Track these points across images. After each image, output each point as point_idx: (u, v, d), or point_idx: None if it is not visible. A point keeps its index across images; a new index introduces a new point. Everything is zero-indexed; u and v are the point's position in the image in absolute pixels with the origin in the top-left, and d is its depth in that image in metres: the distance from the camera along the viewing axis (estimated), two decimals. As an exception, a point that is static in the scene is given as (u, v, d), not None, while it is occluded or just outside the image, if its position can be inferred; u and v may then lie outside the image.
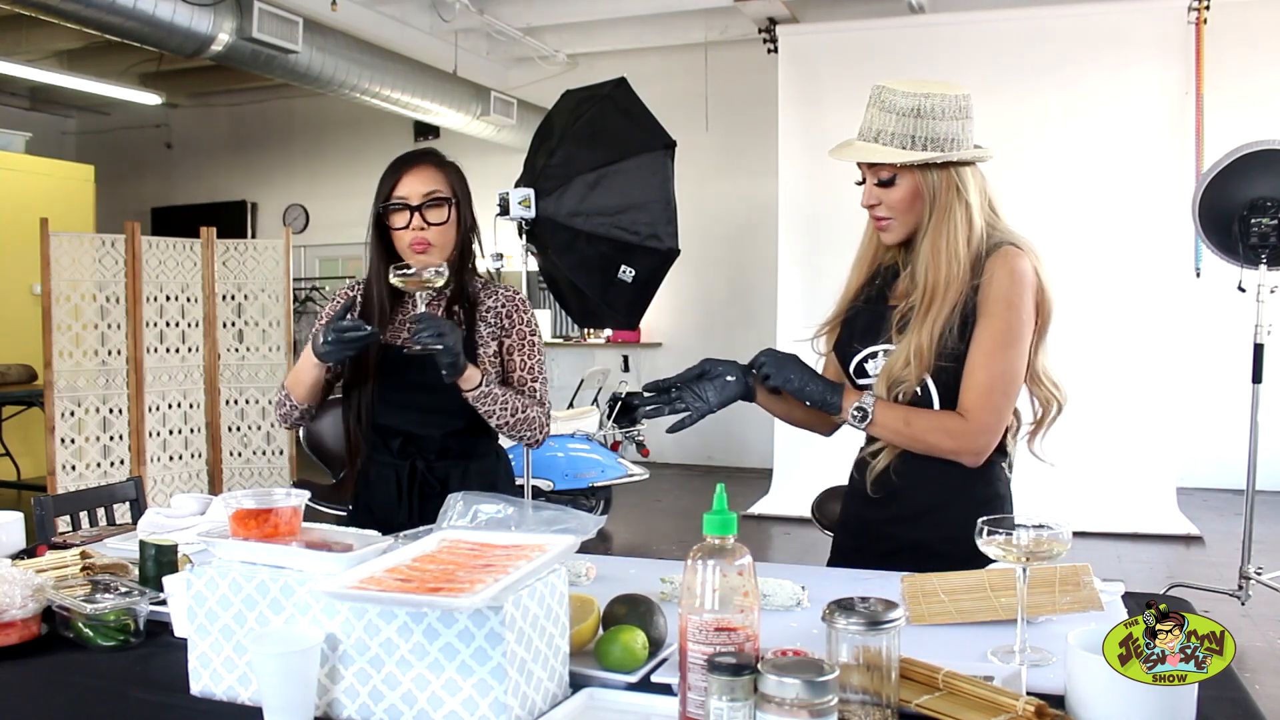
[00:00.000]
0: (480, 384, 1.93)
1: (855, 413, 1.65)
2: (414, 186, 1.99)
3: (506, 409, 1.97)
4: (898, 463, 1.69)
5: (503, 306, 2.08)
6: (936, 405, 1.65)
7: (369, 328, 1.86)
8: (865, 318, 1.74)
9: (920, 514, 1.70)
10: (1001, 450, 1.71)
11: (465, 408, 1.98)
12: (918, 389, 1.64)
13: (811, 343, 1.84)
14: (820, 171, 6.18)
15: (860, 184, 1.71)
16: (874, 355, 1.71)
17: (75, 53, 7.96)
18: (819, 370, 1.78)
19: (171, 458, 5.15)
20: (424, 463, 2.04)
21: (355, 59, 6.34)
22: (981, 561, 1.58)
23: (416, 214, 1.98)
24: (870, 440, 1.72)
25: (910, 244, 1.71)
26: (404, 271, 1.83)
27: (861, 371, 1.73)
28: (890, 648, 1.03)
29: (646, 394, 1.73)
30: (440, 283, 1.85)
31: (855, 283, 1.80)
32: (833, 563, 1.83)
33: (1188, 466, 6.33)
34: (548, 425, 2.08)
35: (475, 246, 2.12)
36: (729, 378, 1.71)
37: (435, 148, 2.13)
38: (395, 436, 2.04)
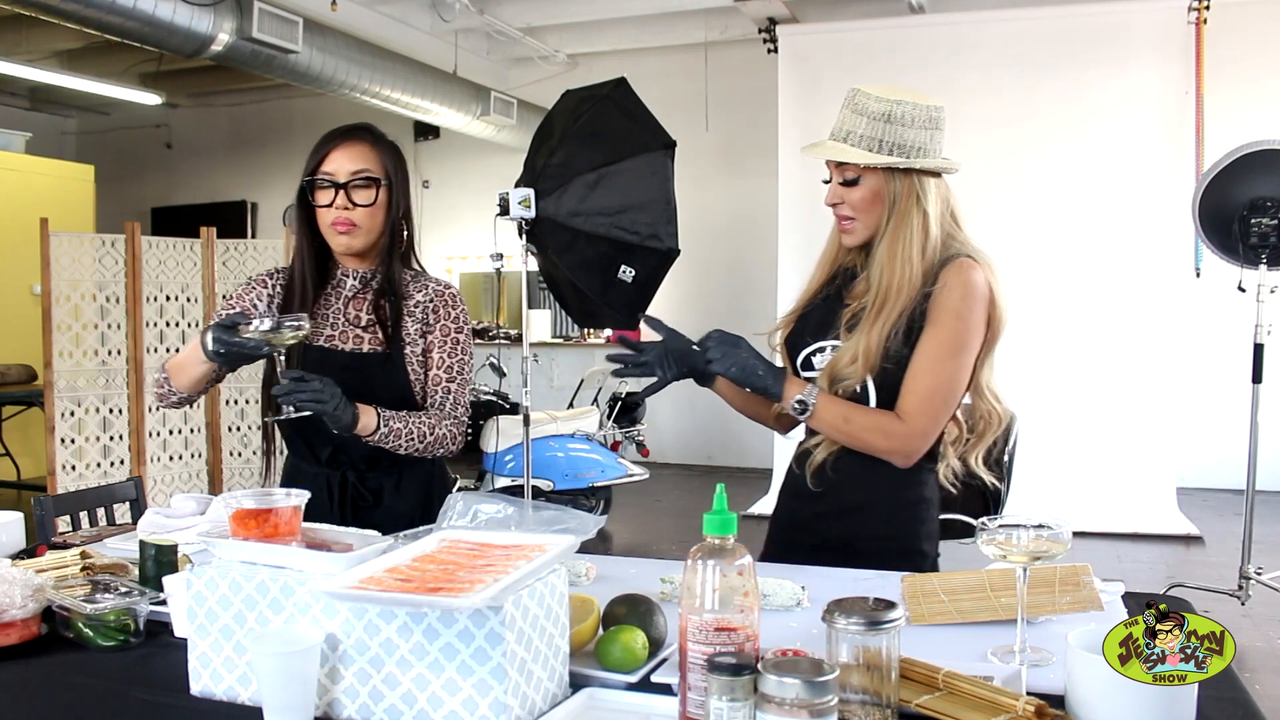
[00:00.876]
0: (377, 427, 1.82)
1: (796, 405, 1.67)
2: (342, 163, 1.87)
3: (413, 439, 1.87)
4: (834, 459, 1.72)
5: (430, 300, 1.97)
6: (873, 404, 1.68)
7: (265, 348, 1.70)
8: (819, 314, 1.79)
9: (847, 511, 1.74)
10: (932, 456, 1.74)
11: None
12: (857, 387, 1.67)
13: (768, 338, 1.87)
14: (820, 171, 6.13)
15: (827, 183, 1.76)
16: (821, 350, 1.75)
17: (75, 53, 7.96)
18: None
19: (171, 458, 5.15)
20: (355, 473, 1.94)
21: (355, 59, 6.34)
22: (907, 561, 1.69)
23: (342, 192, 1.86)
24: (811, 432, 1.76)
25: (869, 247, 1.75)
26: (260, 327, 1.66)
27: (808, 365, 1.77)
28: (890, 648, 1.03)
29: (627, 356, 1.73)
30: (296, 339, 1.68)
31: (816, 282, 1.85)
32: (765, 556, 1.83)
33: (1188, 466, 6.33)
34: (460, 437, 1.96)
35: (408, 236, 1.99)
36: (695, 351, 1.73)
37: (373, 125, 1.98)
38: (323, 445, 1.93)
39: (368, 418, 1.81)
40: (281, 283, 1.99)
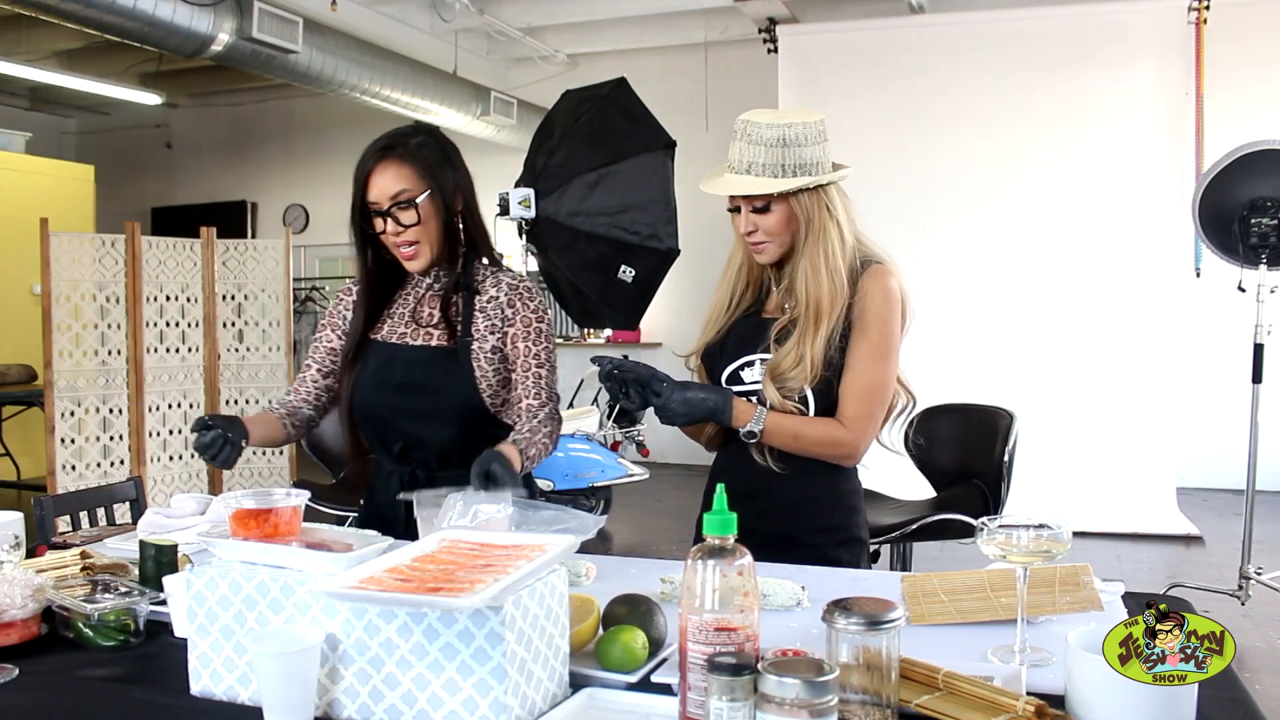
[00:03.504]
0: (520, 461, 1.77)
1: (746, 433, 1.73)
2: (381, 188, 1.86)
3: (542, 449, 1.87)
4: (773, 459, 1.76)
5: (504, 295, 1.94)
6: (813, 411, 1.74)
7: (225, 438, 1.74)
8: (741, 330, 1.83)
9: (789, 507, 1.78)
10: None
11: (463, 412, 1.90)
12: (796, 396, 1.72)
13: (685, 361, 1.92)
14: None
15: (732, 211, 1.80)
16: (750, 364, 1.79)
17: (75, 53, 7.96)
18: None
19: (171, 458, 5.15)
20: (425, 471, 1.92)
21: (355, 59, 6.34)
22: (848, 550, 1.78)
23: (390, 219, 1.86)
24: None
25: (781, 262, 1.81)
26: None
27: (735, 379, 1.80)
28: (890, 648, 1.04)
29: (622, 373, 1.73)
30: None
31: (727, 299, 1.88)
32: None
33: (1188, 466, 6.33)
34: (558, 429, 1.95)
35: (475, 229, 1.96)
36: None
37: (401, 135, 1.92)
38: (395, 439, 1.93)
39: (511, 454, 1.74)
40: (357, 294, 2.01)
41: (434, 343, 1.93)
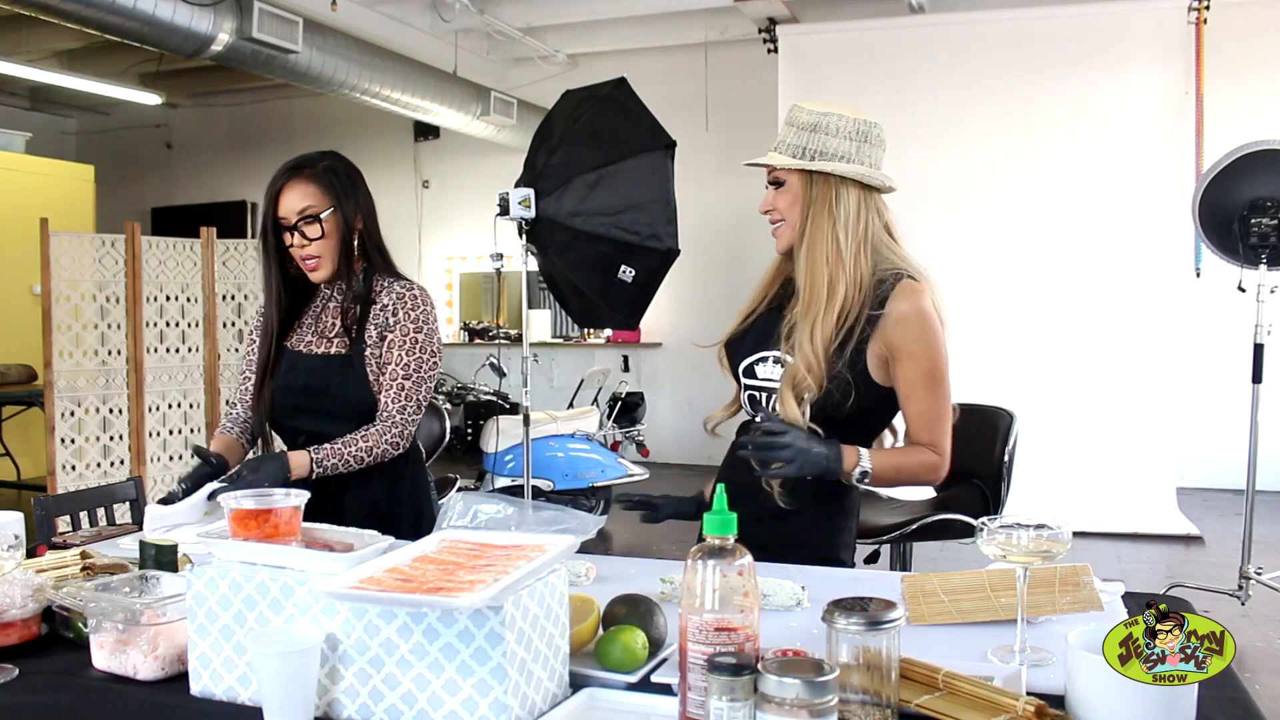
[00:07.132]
0: (311, 469, 1.93)
1: (859, 475, 1.69)
2: (289, 204, 2.00)
3: (354, 460, 1.97)
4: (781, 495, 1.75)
5: (392, 303, 2.06)
6: (807, 418, 1.69)
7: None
8: (762, 324, 1.85)
9: (770, 517, 1.74)
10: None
11: (359, 411, 2.03)
12: (808, 398, 1.69)
13: (717, 351, 1.94)
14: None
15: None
16: (763, 360, 1.80)
17: (75, 53, 7.96)
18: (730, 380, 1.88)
19: (171, 458, 5.15)
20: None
21: (355, 59, 6.34)
22: (830, 564, 1.76)
23: (295, 233, 2.00)
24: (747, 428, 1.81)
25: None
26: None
27: (750, 373, 1.83)
28: (890, 648, 1.04)
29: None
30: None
31: (758, 293, 1.91)
32: None
33: (1188, 466, 6.33)
34: (404, 440, 2.03)
35: (374, 245, 2.09)
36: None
37: (309, 158, 2.07)
38: (296, 435, 2.09)
39: (298, 463, 1.92)
40: (263, 313, 2.15)
41: (333, 350, 2.06)
